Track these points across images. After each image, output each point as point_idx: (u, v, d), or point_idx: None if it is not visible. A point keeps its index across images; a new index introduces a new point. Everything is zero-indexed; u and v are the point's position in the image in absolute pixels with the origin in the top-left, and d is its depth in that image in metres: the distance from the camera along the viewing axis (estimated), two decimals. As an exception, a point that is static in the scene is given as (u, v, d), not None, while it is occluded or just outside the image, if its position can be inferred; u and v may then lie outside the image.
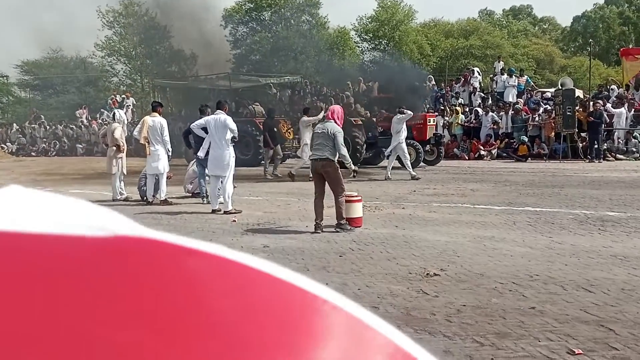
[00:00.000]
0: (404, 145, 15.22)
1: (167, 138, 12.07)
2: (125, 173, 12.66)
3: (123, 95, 35.76)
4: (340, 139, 8.52)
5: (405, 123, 15.16)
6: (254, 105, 23.82)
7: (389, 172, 15.57)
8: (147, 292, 0.40)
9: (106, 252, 0.42)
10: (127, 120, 29.45)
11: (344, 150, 8.65)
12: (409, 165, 15.34)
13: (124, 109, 31.49)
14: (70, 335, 0.37)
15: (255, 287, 0.44)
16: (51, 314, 0.37)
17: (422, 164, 18.48)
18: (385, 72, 24.47)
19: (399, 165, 15.76)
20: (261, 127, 19.45)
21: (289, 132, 23.36)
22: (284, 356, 0.39)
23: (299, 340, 0.40)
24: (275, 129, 18.11)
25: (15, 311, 0.37)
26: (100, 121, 34.19)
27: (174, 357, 0.37)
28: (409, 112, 15.27)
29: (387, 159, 16.15)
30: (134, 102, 35.03)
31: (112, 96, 36.61)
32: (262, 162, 18.66)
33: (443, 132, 23.60)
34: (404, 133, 15.15)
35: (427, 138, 18.78)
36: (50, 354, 0.35)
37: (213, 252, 0.45)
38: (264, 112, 23.84)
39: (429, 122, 19.09)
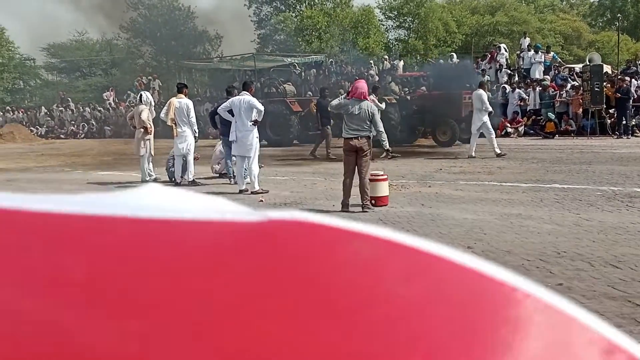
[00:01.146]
0: (488, 122, 15.08)
1: (194, 119, 12.19)
2: (153, 154, 12.84)
3: (149, 77, 36.02)
4: (378, 117, 8.58)
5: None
6: (285, 85, 23.78)
7: (472, 151, 15.16)
8: (313, 277, 0.38)
9: (261, 235, 0.42)
10: (154, 102, 29.77)
11: (382, 129, 8.69)
12: (495, 142, 15.13)
13: (151, 91, 31.79)
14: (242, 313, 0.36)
15: (441, 274, 0.40)
16: (222, 302, 0.37)
17: (457, 142, 18.46)
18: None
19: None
20: (314, 107, 19.19)
21: None
22: (484, 351, 0.36)
23: (498, 334, 0.37)
24: (328, 109, 17.48)
25: (199, 292, 0.37)
26: (127, 103, 34.53)
27: (357, 353, 0.35)
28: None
29: (472, 137, 15.57)
30: (160, 84, 35.31)
31: (138, 78, 36.91)
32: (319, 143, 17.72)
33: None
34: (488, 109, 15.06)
35: (463, 115, 18.60)
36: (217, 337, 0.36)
37: (382, 235, 0.41)
38: (294, 92, 23.85)
39: (465, 99, 18.91)
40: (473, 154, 15.06)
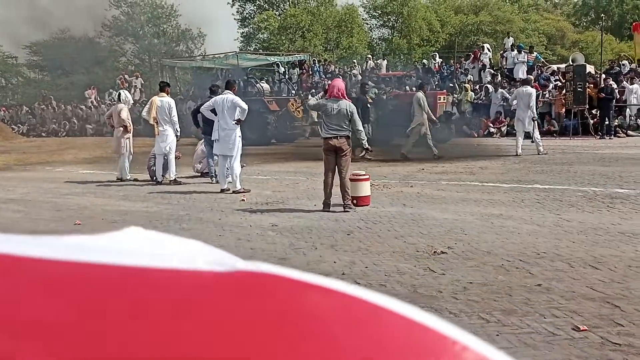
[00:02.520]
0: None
1: (176, 118, 12.11)
2: (132, 153, 12.74)
3: (132, 76, 35.77)
4: (357, 116, 8.55)
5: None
6: (262, 84, 23.69)
7: (519, 149, 15.07)
8: (270, 328, 0.40)
9: (228, 286, 0.43)
10: (137, 100, 29.45)
11: (361, 127, 8.67)
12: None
13: (132, 89, 31.56)
14: None
15: (384, 326, 0.43)
16: (179, 346, 0.39)
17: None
18: None
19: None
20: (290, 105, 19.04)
21: (298, 111, 23.32)
22: None
23: None
24: (368, 106, 16.59)
25: (145, 341, 0.39)
26: (108, 101, 34.30)
27: None
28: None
29: (518, 134, 15.59)
30: (142, 82, 35.05)
31: (121, 76, 36.65)
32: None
33: (452, 109, 23.52)
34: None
35: (438, 116, 18.73)
36: None
37: (337, 288, 0.45)
38: (271, 90, 23.76)
39: (439, 99, 19.10)
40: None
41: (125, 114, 12.52)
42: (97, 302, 0.41)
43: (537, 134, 15.35)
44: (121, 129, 12.54)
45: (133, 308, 0.41)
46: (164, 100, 12.01)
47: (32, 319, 0.40)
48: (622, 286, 4.81)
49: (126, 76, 35.07)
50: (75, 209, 9.59)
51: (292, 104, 23.05)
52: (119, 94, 13.26)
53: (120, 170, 12.75)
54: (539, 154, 14.84)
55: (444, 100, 19.99)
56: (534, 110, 15.38)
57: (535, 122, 15.36)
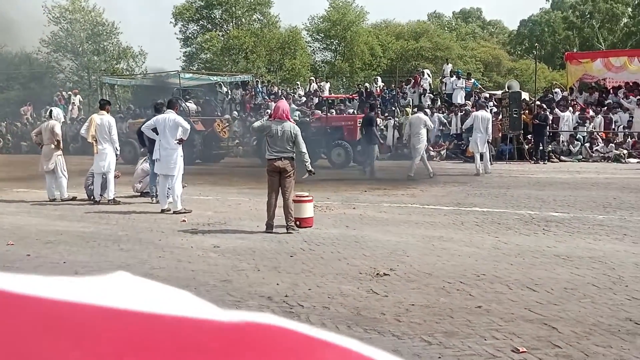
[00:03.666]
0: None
1: (115, 137, 11.88)
2: (66, 171, 12.41)
3: (70, 92, 34.96)
4: (301, 138, 8.55)
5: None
6: (188, 104, 23.42)
7: (479, 168, 16.35)
8: None
9: (238, 338, 0.42)
10: (75, 117, 28.71)
11: (305, 149, 8.67)
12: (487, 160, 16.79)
13: (71, 106, 30.83)
14: None
15: None
16: None
17: (352, 163, 19.28)
18: None
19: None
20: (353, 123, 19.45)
21: (224, 132, 23.34)
22: None
23: None
24: (372, 123, 16.95)
25: None
26: (44, 118, 33.36)
27: None
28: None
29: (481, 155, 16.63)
30: (81, 99, 34.27)
31: (58, 93, 35.76)
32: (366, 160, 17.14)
33: (394, 132, 23.91)
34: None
35: (358, 139, 19.27)
36: None
37: (348, 347, 0.43)
38: (197, 110, 23.75)
39: (359, 123, 19.63)
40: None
41: (58, 130, 12.22)
42: (102, 345, 0.40)
43: (488, 155, 16.79)
44: (52, 145, 12.22)
45: (141, 354, 0.40)
46: (104, 118, 11.76)
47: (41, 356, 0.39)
48: (559, 308, 4.94)
49: (64, 93, 34.25)
50: (8, 228, 9.24)
51: (219, 125, 23.09)
52: (50, 111, 12.97)
53: (48, 190, 12.36)
54: (486, 172, 16.30)
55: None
56: (490, 133, 16.65)
57: (490, 144, 16.65)
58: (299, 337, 0.43)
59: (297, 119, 20.28)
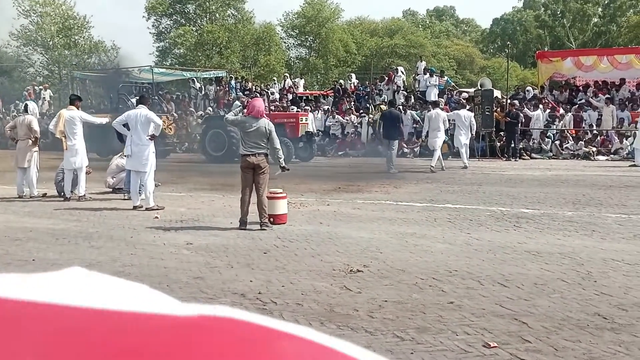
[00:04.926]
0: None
1: (91, 119, 11.90)
2: (38, 168, 12.22)
3: (40, 87, 34.41)
4: (275, 134, 8.54)
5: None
6: (134, 100, 23.21)
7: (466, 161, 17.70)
8: None
9: (190, 332, 0.41)
10: (45, 112, 28.28)
11: (279, 146, 8.67)
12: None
13: (41, 101, 30.34)
14: None
15: None
16: None
17: (295, 159, 19.31)
18: None
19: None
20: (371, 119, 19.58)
21: (170, 128, 23.32)
22: None
23: None
24: (400, 120, 17.54)
25: None
26: (14, 113, 32.83)
27: None
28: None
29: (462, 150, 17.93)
30: (52, 94, 33.75)
31: (29, 87, 35.19)
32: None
33: (368, 129, 24.01)
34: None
35: (300, 135, 19.46)
36: None
37: (305, 336, 0.43)
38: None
39: (301, 120, 19.94)
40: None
41: (36, 126, 12.01)
42: (54, 345, 0.39)
43: (466, 150, 17.90)
44: (29, 141, 12.01)
45: (91, 351, 0.39)
46: (74, 114, 11.59)
47: None
48: (529, 303, 5.00)
49: (35, 87, 33.69)
50: (-25, 225, 9.07)
51: (164, 121, 23.08)
52: (26, 105, 12.74)
53: (18, 186, 12.16)
54: (465, 167, 17.36)
55: (306, 121, 20.76)
56: (473, 129, 18.03)
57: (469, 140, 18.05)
58: (254, 328, 0.42)
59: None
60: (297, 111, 23.03)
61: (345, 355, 0.42)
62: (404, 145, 23.18)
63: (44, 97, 31.85)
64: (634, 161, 17.88)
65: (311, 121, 22.64)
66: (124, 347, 0.39)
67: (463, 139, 17.67)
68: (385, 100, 26.37)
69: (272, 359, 0.41)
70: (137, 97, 11.69)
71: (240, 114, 8.83)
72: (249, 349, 0.41)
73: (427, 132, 17.57)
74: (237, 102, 23.46)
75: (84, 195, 11.57)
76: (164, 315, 0.43)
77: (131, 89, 23.46)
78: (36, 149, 12.10)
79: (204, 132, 21.50)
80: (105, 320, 0.42)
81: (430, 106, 20.13)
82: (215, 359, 0.39)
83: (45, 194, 12.14)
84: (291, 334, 0.43)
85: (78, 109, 11.85)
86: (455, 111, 18.34)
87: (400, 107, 25.16)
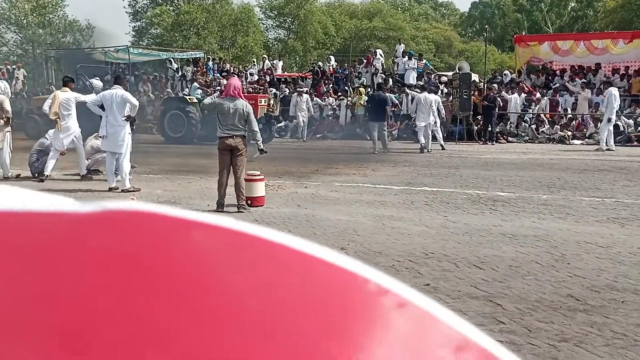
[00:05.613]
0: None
1: (84, 98, 11.74)
2: (11, 149, 12.02)
3: (14, 66, 33.82)
4: (253, 117, 8.51)
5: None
6: (93, 80, 22.79)
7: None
8: (148, 268, 0.37)
9: (100, 225, 0.39)
10: (19, 92, 27.80)
11: (257, 128, 8.64)
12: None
13: (14, 81, 29.83)
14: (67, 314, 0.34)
15: (282, 265, 0.39)
16: (48, 294, 0.35)
17: (252, 141, 19.05)
18: None
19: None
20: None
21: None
22: (325, 341, 0.34)
23: (341, 325, 0.36)
24: (387, 103, 17.99)
25: (13, 285, 0.35)
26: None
27: (188, 340, 0.33)
28: None
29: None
30: (25, 74, 33.19)
31: (1, 67, 34.58)
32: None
33: (346, 112, 24.00)
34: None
35: (259, 117, 19.44)
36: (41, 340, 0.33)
37: (220, 224, 0.41)
38: (102, 87, 23.38)
39: (260, 102, 19.78)
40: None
41: (8, 106, 11.80)
42: None
43: (425, 133, 18.05)
44: (1, 121, 11.81)
45: None
46: (69, 95, 11.51)
47: None
48: (504, 285, 5.06)
49: (8, 66, 33.10)
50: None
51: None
52: (-4, 85, 12.54)
53: (2, 167, 11.96)
54: (442, 148, 18.08)
55: (264, 102, 20.65)
56: (441, 114, 18.62)
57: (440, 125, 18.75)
58: (165, 219, 0.40)
59: (200, 97, 20.27)
60: (256, 93, 22.77)
61: (267, 241, 0.41)
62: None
63: (17, 77, 31.31)
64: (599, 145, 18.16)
65: (306, 102, 22.79)
66: (16, 245, 0.38)
67: (420, 122, 17.86)
68: (364, 83, 26.44)
69: (185, 249, 0.38)
70: (113, 78, 11.52)
71: (216, 97, 8.79)
72: (159, 240, 0.38)
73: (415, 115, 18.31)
74: (196, 85, 23.44)
75: (47, 175, 11.35)
76: (63, 213, 0.40)
77: (91, 70, 22.97)
78: (8, 129, 11.90)
79: (162, 114, 21.31)
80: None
81: (418, 90, 20.22)
82: (124, 252, 0.37)
83: (19, 175, 11.97)
84: (206, 223, 0.40)
85: (71, 90, 11.75)
86: (420, 94, 18.45)
87: (388, 90, 25.22)
